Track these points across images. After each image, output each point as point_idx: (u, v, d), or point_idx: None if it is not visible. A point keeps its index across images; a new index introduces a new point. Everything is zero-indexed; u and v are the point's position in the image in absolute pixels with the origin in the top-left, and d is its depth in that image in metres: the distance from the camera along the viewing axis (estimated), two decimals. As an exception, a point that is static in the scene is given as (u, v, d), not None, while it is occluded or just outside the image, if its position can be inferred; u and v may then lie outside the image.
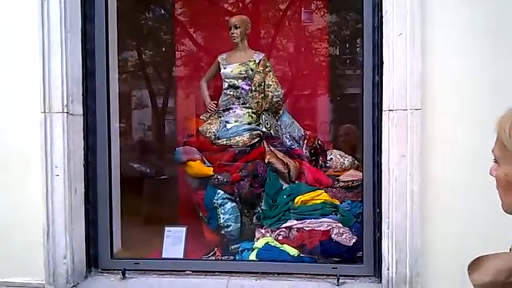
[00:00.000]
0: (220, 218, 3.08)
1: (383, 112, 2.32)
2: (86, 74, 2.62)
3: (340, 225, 2.88)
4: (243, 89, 3.36)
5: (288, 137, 3.42)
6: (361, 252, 2.56)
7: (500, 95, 2.17)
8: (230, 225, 3.08)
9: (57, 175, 2.47)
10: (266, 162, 3.18)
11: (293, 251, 2.80)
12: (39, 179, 2.47)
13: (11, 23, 2.53)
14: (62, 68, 2.46)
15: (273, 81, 3.36)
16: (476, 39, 2.26)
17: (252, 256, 2.82)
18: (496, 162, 0.94)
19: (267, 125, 3.32)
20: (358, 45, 5.74)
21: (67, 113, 2.48)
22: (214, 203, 3.11)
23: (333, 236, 2.82)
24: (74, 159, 2.53)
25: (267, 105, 3.34)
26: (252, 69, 3.35)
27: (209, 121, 3.40)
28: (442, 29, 2.28)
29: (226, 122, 3.34)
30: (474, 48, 2.26)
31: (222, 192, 3.12)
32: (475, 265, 0.90)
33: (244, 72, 3.35)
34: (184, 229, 2.99)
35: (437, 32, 2.28)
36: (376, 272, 2.45)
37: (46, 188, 2.47)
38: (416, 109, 2.26)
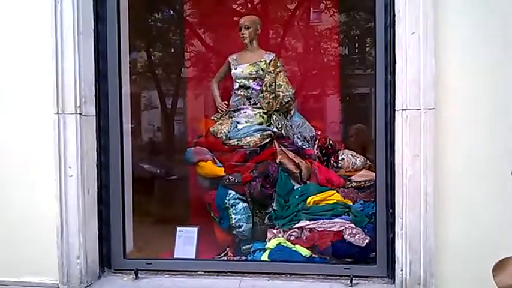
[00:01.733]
0: (231, 218, 3.08)
1: (396, 112, 2.32)
2: (98, 75, 2.64)
3: (352, 225, 2.87)
4: (253, 89, 3.36)
5: (299, 137, 3.41)
6: (374, 253, 2.55)
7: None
8: (242, 226, 3.07)
9: (71, 176, 2.50)
10: (277, 162, 3.17)
11: (305, 252, 2.80)
12: (53, 180, 2.50)
13: (24, 24, 2.56)
14: (74, 69, 2.49)
15: (283, 81, 3.35)
16: (490, 38, 2.23)
17: (264, 256, 2.82)
18: None
19: (278, 125, 3.32)
20: (368, 45, 5.70)
21: (80, 114, 2.51)
22: (226, 203, 3.11)
23: (345, 236, 2.81)
24: (86, 159, 2.55)
25: (277, 106, 3.33)
26: (262, 70, 3.34)
27: (220, 122, 3.40)
28: (456, 27, 2.26)
29: (237, 122, 3.34)
30: (488, 48, 2.23)
31: (234, 192, 3.12)
32: (499, 267, 0.88)
33: (255, 73, 3.35)
34: (196, 229, 3.01)
35: (451, 31, 2.26)
36: (390, 272, 2.44)
37: (59, 188, 2.49)
38: (430, 108, 2.24)
